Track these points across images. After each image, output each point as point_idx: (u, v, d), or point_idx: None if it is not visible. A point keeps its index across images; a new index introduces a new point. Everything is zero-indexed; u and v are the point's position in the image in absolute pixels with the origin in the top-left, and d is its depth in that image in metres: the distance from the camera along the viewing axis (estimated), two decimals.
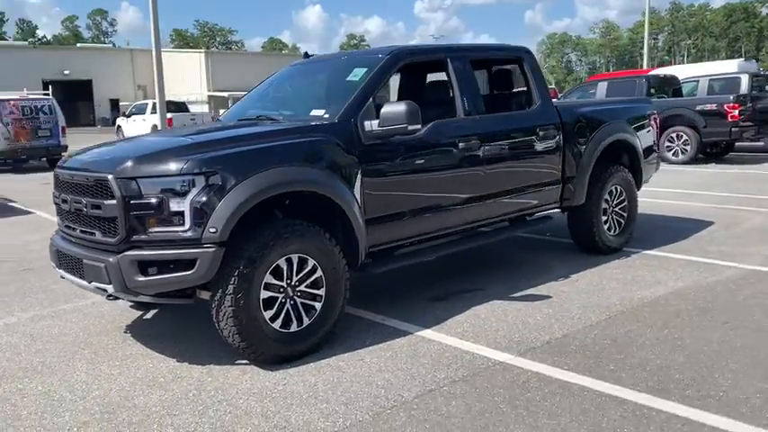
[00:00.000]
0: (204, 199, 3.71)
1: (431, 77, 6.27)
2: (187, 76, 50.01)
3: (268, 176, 3.87)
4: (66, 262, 4.22)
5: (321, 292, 4.16)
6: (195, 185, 3.72)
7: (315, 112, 4.62)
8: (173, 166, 3.77)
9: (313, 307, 4.14)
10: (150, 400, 3.60)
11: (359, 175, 4.36)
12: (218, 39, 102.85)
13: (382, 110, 4.43)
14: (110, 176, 3.80)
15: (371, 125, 4.41)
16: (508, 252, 6.73)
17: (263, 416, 3.36)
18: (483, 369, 3.83)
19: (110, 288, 3.83)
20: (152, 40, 23.00)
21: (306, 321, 4.10)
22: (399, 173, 4.67)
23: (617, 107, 6.69)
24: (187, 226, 3.71)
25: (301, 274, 4.07)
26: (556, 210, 6.14)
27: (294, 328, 4.05)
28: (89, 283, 3.97)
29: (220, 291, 3.78)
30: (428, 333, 4.44)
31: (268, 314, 3.92)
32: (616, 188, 6.36)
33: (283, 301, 4.01)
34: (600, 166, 6.21)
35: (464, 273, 5.92)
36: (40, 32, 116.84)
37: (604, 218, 6.27)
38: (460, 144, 4.97)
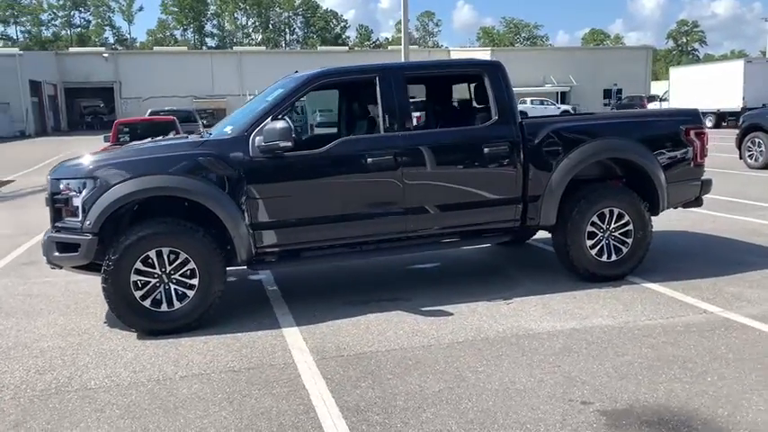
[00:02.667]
0: (89, 198, 4.81)
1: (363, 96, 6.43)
2: None
3: (136, 183, 4.82)
4: None
5: (195, 282, 4.96)
6: (86, 187, 4.85)
7: (226, 129, 5.37)
8: (75, 171, 4.96)
9: (186, 294, 4.96)
10: (47, 344, 4.83)
11: (245, 185, 5.02)
12: (522, 34, 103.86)
13: (265, 127, 5.02)
14: (48, 177, 5.14)
15: (260, 141, 5.03)
16: (498, 265, 6.58)
17: (84, 367, 4.34)
18: (262, 365, 4.26)
19: (44, 259, 5.17)
20: (402, 39, 25.13)
21: (177, 305, 4.94)
22: (295, 185, 5.17)
23: (614, 122, 6.02)
24: (80, 218, 4.86)
25: (174, 265, 4.93)
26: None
27: (164, 308, 4.92)
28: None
29: (101, 270, 4.86)
30: (289, 330, 4.92)
31: (138, 294, 4.86)
32: (611, 211, 5.78)
33: (157, 285, 4.91)
34: (585, 186, 5.76)
35: (418, 281, 6.07)
36: (374, 36, 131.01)
37: (590, 242, 5.76)
38: (369, 159, 5.24)
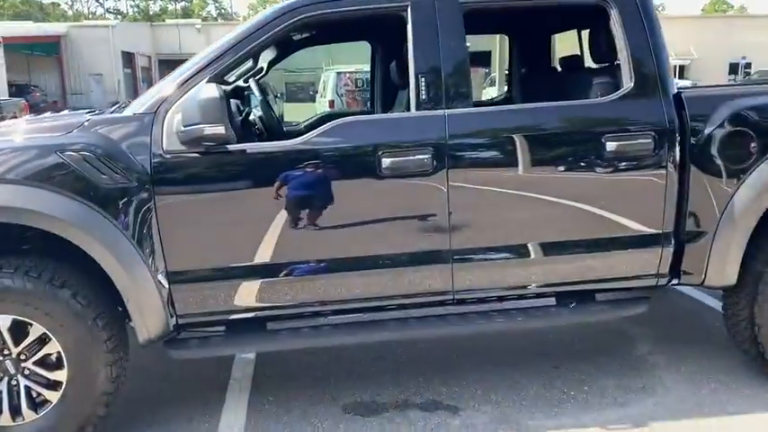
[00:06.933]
0: None
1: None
2: None
3: None
4: None
5: (61, 376, 2.76)
6: None
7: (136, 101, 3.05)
8: None
9: (46, 399, 2.77)
10: None
11: (151, 203, 2.73)
12: None
13: (186, 98, 2.71)
14: None
15: (178, 123, 2.71)
16: (622, 332, 3.92)
17: None
18: None
19: None
20: None
21: (30, 416, 2.77)
22: (249, 203, 2.84)
23: None
24: None
25: (23, 346, 2.74)
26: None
27: (3, 422, 2.75)
28: None
29: None
30: None
31: None
32: None
33: None
34: None
35: (485, 364, 3.58)
36: None
37: None
38: (386, 160, 2.81)
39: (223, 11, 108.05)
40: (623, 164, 2.96)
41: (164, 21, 73.85)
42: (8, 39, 34.05)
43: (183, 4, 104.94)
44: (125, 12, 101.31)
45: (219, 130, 2.59)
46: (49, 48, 42.06)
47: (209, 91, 2.59)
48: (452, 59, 2.94)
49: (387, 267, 2.93)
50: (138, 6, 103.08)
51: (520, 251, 2.99)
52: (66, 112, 3.79)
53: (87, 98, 42.53)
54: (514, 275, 3.03)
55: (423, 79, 2.91)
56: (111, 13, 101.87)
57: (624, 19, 3.02)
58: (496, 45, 19.41)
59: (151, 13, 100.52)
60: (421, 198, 2.90)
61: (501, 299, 3.14)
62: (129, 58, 45.61)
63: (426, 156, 2.83)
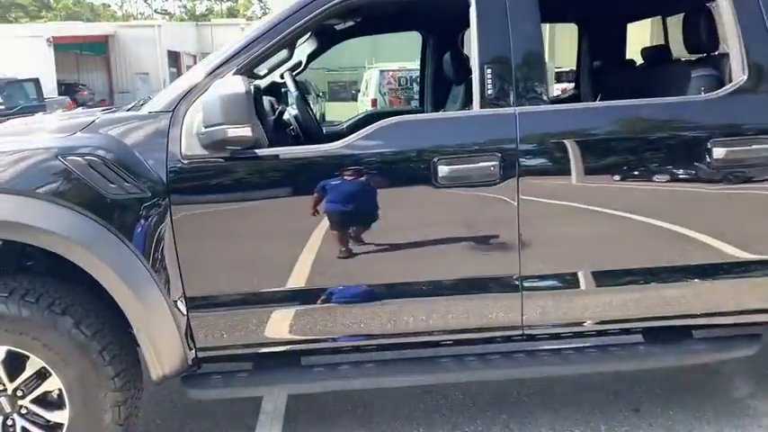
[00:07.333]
0: None
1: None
2: None
3: None
4: None
5: (63, 417, 2.37)
6: None
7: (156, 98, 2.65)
8: None
9: None
10: None
11: (166, 218, 2.32)
12: None
13: (206, 94, 2.29)
14: None
15: (199, 124, 2.30)
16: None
17: None
18: None
19: None
20: None
21: None
22: (281, 218, 2.42)
23: None
24: None
25: (21, 381, 2.36)
26: None
27: None
28: None
29: None
30: None
31: None
32: None
33: None
34: None
35: (557, 408, 3.08)
36: None
37: None
38: (444, 168, 2.34)
39: (267, 11, 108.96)
40: (735, 174, 2.43)
41: (209, 21, 74.64)
42: (58, 38, 34.62)
43: (228, 4, 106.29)
44: (172, 12, 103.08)
45: (245, 131, 2.16)
46: (98, 47, 42.73)
47: (233, 85, 2.16)
48: (525, 47, 2.46)
49: (442, 295, 2.47)
50: (185, 7, 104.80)
51: (603, 279, 2.49)
52: (79, 110, 3.42)
53: (134, 96, 43.07)
54: (597, 307, 2.52)
55: (489, 71, 2.43)
56: (158, 13, 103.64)
57: (739, 6, 2.48)
58: (545, 37, 18.79)
59: (197, 13, 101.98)
60: (485, 213, 2.43)
61: (578, 335, 2.63)
62: (174, 58, 46.02)
63: (492, 162, 2.36)
